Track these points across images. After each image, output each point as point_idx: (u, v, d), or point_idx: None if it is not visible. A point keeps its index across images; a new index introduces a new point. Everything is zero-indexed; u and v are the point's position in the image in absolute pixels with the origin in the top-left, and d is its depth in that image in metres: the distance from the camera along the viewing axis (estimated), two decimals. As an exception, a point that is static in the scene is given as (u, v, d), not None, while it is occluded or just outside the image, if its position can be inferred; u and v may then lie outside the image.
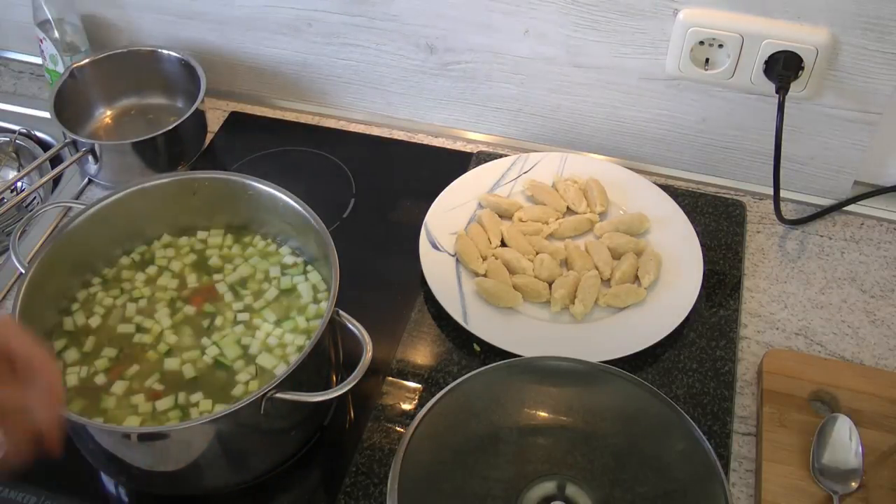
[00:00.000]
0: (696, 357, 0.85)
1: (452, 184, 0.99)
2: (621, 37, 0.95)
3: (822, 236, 0.98)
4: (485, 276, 0.90)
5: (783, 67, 0.89)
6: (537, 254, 0.92)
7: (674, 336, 0.86)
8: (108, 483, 0.78)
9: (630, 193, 0.98)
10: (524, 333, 0.86)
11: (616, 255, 0.92)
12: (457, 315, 0.86)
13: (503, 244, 0.94)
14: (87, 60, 1.07)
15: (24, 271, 0.76)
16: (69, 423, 0.70)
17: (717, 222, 0.98)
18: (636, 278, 0.90)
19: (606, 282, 0.90)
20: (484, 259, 0.91)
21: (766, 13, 0.88)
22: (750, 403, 0.83)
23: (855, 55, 0.89)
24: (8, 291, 0.93)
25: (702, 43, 0.92)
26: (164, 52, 1.09)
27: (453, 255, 0.92)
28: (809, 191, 1.02)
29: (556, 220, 0.96)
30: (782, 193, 0.97)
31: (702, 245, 0.92)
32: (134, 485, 0.78)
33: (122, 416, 0.73)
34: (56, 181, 1.06)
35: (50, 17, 1.07)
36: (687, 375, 0.84)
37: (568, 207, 0.97)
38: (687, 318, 0.87)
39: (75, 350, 0.78)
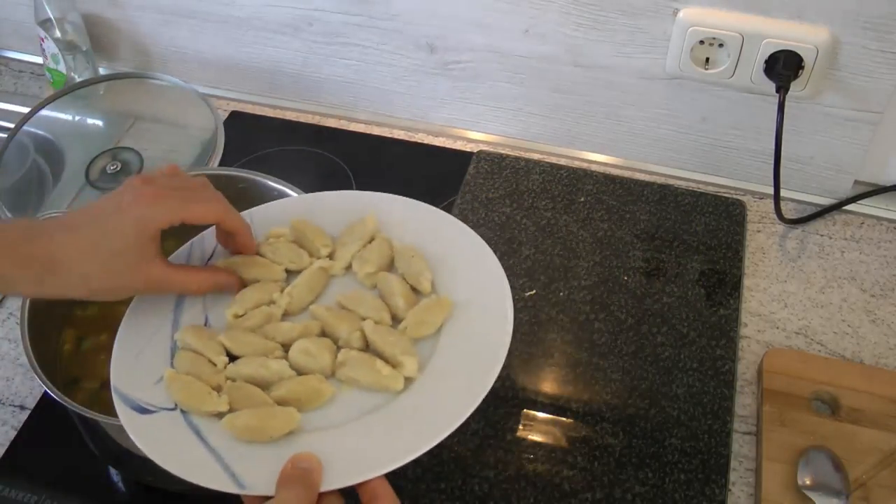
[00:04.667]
0: (697, 356, 0.85)
1: (125, 321, 0.67)
2: (621, 36, 0.95)
3: (822, 236, 0.98)
4: (230, 410, 0.61)
5: (783, 67, 0.89)
6: (284, 347, 0.65)
7: (674, 335, 0.86)
8: (111, 482, 0.79)
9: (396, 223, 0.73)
10: (335, 452, 0.58)
11: (384, 289, 0.68)
12: (225, 485, 0.57)
13: (232, 359, 0.65)
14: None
15: None
16: (82, 422, 0.70)
17: (717, 222, 0.98)
18: (414, 290, 0.67)
19: (395, 321, 0.66)
20: (218, 390, 0.63)
21: (766, 12, 0.88)
22: (750, 402, 0.83)
23: (855, 54, 0.89)
24: (8, 291, 0.93)
25: (702, 42, 0.92)
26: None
27: (174, 408, 0.62)
28: (810, 190, 1.02)
29: (282, 290, 0.68)
30: (782, 193, 0.97)
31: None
32: (150, 479, 0.78)
33: None
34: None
35: (51, 15, 1.07)
36: (687, 375, 0.84)
37: (288, 271, 0.70)
38: (687, 318, 0.87)
39: (90, 340, 0.78)
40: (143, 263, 0.61)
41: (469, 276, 0.67)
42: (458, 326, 0.64)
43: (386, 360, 0.62)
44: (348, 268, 0.70)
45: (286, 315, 0.68)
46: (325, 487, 0.55)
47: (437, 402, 0.60)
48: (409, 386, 0.61)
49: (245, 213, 0.71)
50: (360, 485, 0.55)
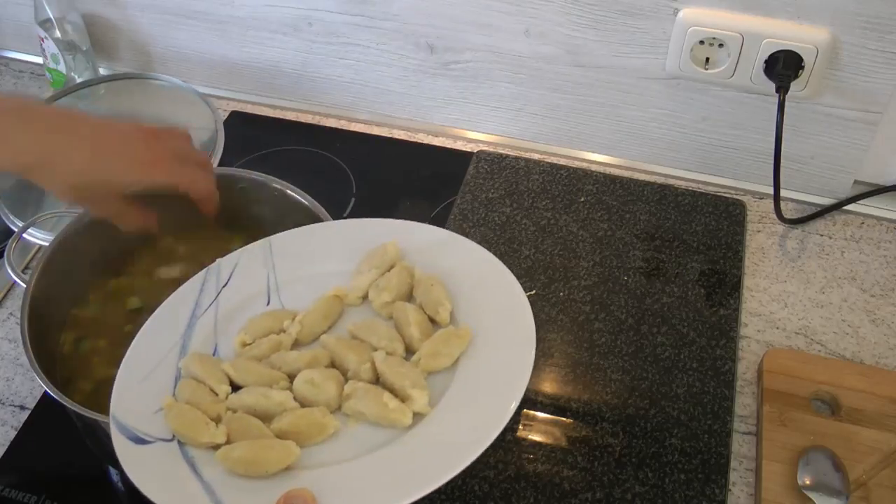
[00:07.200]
0: (697, 356, 0.85)
1: (132, 346, 0.66)
2: (621, 36, 0.95)
3: (822, 235, 0.98)
4: (227, 443, 0.58)
5: (783, 67, 0.89)
6: (291, 377, 0.62)
7: (674, 335, 0.86)
8: (110, 482, 0.78)
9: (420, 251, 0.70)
10: (333, 489, 0.55)
11: (399, 319, 0.65)
12: None
13: (235, 388, 0.63)
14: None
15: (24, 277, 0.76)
16: (81, 422, 0.70)
17: (717, 222, 0.98)
18: (433, 321, 0.64)
19: (409, 353, 0.63)
20: (217, 421, 0.60)
21: (767, 12, 0.88)
22: (750, 402, 0.83)
23: (855, 54, 0.89)
24: (10, 290, 0.94)
25: (702, 42, 0.92)
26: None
27: (171, 439, 0.60)
28: (810, 190, 1.02)
29: (293, 318, 0.66)
30: (782, 193, 0.97)
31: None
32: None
33: None
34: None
35: (51, 15, 1.07)
36: (687, 375, 0.84)
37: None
38: (687, 318, 0.87)
39: (88, 342, 0.79)
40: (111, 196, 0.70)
41: (492, 307, 0.63)
42: (476, 359, 0.61)
43: (395, 394, 0.59)
44: (366, 297, 0.67)
45: (297, 345, 0.65)
46: None
47: (445, 439, 0.56)
48: (418, 422, 0.57)
49: (264, 241, 0.71)
50: None
